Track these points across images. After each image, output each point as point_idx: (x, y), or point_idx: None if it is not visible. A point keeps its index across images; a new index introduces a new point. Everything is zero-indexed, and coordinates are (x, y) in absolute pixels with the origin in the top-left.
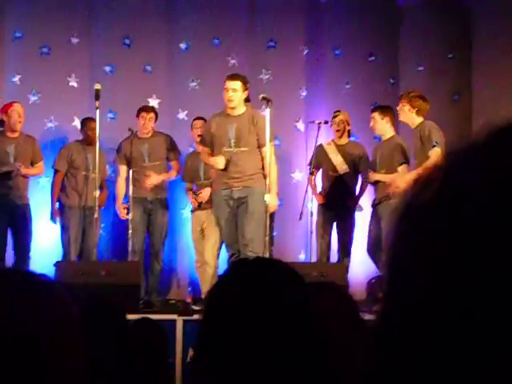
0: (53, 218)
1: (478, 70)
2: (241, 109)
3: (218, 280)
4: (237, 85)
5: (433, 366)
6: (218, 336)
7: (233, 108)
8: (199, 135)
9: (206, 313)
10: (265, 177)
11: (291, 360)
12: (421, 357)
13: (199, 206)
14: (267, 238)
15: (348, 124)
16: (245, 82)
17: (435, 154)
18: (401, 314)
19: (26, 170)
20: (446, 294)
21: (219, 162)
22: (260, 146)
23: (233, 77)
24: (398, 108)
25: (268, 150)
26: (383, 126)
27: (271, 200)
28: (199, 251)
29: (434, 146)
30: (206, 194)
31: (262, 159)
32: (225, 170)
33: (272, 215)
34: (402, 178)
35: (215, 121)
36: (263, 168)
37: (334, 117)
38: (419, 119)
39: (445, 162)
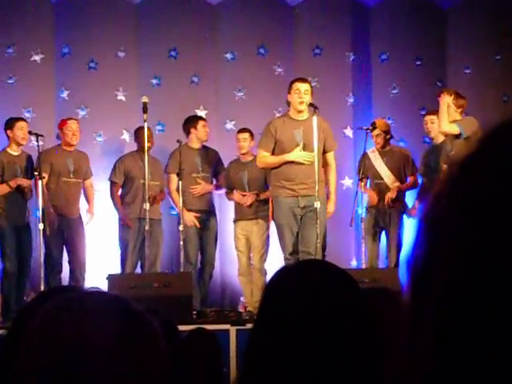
0: (123, 225)
1: None
2: (306, 113)
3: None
4: (308, 87)
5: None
6: (275, 330)
7: (301, 111)
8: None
9: (263, 309)
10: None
11: (346, 362)
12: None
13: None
14: (318, 244)
15: (387, 133)
16: None
17: (458, 146)
18: None
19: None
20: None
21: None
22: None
23: (305, 80)
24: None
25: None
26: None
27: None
28: (242, 260)
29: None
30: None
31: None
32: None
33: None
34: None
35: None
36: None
37: (372, 130)
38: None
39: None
